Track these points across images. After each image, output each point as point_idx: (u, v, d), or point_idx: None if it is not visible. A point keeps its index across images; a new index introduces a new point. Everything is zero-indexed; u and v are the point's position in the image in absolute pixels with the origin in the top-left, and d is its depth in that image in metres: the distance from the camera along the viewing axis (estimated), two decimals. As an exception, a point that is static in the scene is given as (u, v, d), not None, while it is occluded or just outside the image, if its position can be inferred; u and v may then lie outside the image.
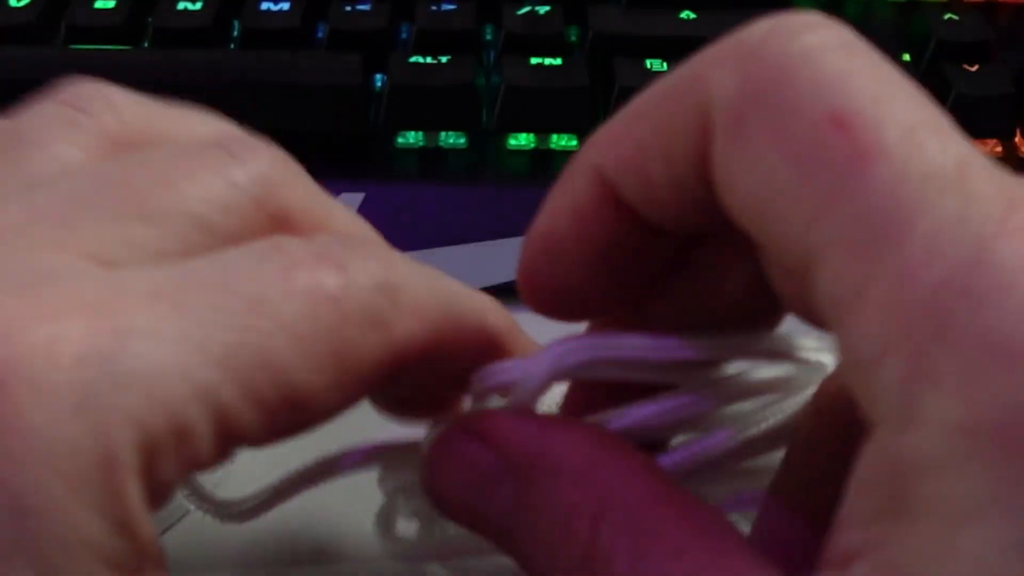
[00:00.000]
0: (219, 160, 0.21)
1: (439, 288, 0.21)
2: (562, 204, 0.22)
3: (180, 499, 0.25)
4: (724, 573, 0.17)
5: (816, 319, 0.19)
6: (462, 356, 0.22)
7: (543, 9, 0.42)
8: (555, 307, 0.23)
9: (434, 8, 0.42)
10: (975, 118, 0.40)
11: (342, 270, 0.20)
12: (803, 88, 0.18)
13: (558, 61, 0.40)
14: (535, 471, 0.20)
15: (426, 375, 0.22)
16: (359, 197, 0.37)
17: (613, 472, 0.19)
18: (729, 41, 0.19)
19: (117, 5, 0.42)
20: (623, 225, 0.21)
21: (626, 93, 0.39)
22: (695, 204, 0.20)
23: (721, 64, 0.19)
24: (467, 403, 0.24)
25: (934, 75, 0.41)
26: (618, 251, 0.21)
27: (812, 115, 0.17)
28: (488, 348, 0.23)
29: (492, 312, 0.23)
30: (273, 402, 0.18)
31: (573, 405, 0.24)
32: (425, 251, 0.37)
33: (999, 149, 0.40)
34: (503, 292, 0.38)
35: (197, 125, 0.24)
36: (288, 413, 0.19)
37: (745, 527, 0.23)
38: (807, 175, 0.17)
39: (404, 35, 0.42)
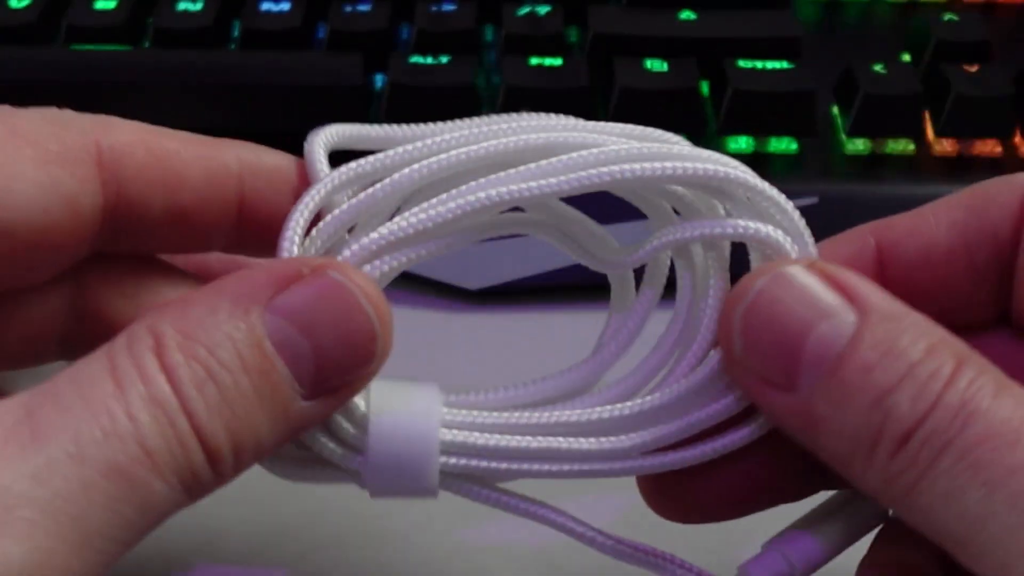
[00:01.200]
0: None
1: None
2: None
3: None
4: None
5: None
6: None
7: (543, 9, 0.42)
8: None
9: (434, 8, 0.42)
10: (975, 118, 0.40)
11: None
12: None
13: (558, 61, 0.40)
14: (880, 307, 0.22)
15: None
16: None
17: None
18: None
19: (117, 5, 0.42)
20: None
21: (626, 93, 0.39)
22: (970, 286, 0.25)
23: None
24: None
25: (934, 75, 0.41)
26: None
27: None
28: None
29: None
30: None
31: None
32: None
33: (999, 149, 0.40)
34: (503, 292, 0.38)
35: None
36: None
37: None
38: None
39: (404, 35, 0.42)
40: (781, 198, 0.24)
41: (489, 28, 0.43)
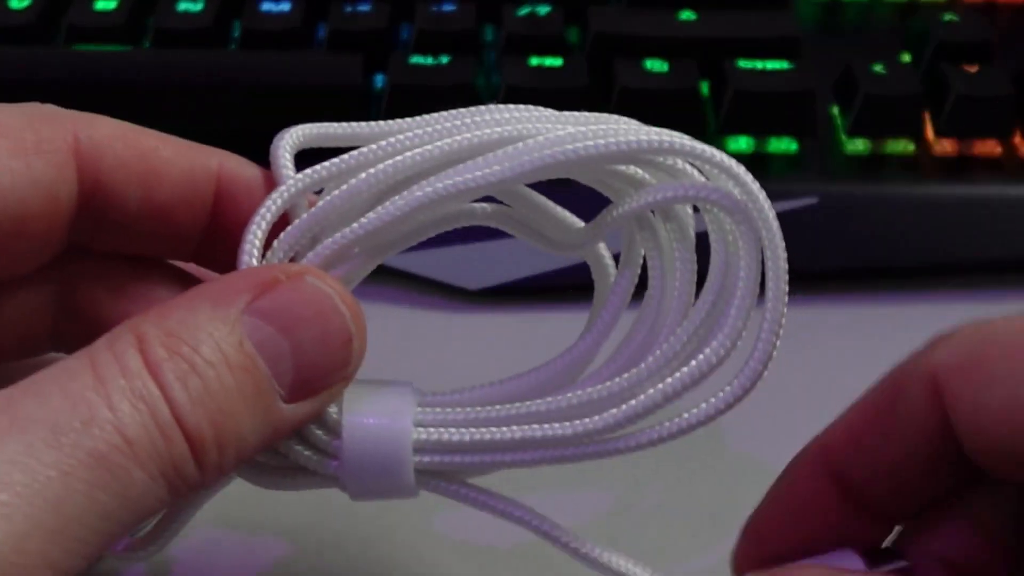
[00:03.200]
0: None
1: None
2: (782, 499, 0.23)
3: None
4: None
5: None
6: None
7: (543, 10, 0.42)
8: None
9: (434, 8, 0.42)
10: (975, 119, 0.40)
11: None
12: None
13: (558, 62, 0.40)
14: None
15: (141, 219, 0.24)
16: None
17: None
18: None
19: (117, 5, 0.42)
20: (843, 512, 0.22)
21: (626, 93, 0.39)
22: (929, 470, 0.21)
23: (942, 341, 0.21)
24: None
25: (934, 76, 0.41)
26: (830, 533, 0.22)
27: None
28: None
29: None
30: None
31: None
32: (424, 251, 0.37)
33: (999, 149, 0.40)
34: (503, 292, 0.38)
35: None
36: None
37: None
38: None
39: (404, 35, 0.42)
40: (731, 162, 0.24)
41: (489, 28, 0.43)
